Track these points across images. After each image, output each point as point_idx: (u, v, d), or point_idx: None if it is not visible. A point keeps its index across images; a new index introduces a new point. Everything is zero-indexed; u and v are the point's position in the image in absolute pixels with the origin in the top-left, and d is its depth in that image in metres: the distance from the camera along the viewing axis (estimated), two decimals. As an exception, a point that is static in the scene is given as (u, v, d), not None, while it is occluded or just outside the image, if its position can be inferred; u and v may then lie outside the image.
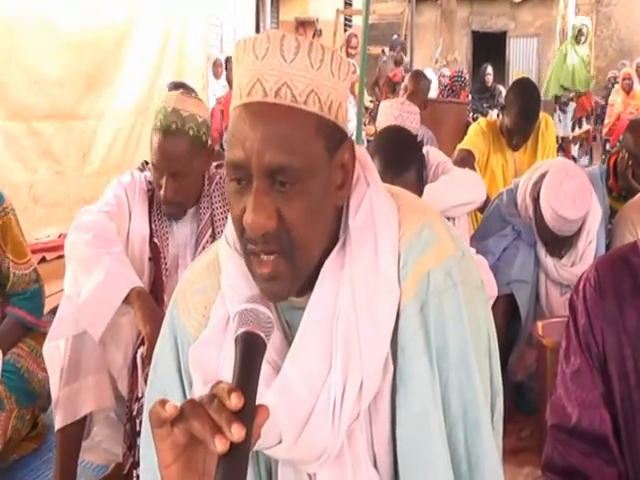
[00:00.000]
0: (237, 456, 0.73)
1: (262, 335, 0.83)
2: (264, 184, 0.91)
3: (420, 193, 2.33)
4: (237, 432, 0.72)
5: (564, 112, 9.25)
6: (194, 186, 2.06)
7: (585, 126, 9.27)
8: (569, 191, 2.44)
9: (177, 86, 2.66)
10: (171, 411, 0.75)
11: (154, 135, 1.98)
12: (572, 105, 9.30)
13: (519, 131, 3.47)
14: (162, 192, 1.99)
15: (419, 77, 4.96)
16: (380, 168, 2.25)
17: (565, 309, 2.71)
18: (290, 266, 0.94)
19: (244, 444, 0.73)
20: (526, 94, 3.50)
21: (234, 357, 0.81)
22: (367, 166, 1.03)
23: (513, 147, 3.54)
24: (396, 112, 3.29)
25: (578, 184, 2.48)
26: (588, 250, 2.58)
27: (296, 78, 0.91)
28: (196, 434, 0.74)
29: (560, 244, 2.61)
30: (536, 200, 2.60)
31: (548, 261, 2.63)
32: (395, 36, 11.16)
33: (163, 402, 0.76)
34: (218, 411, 0.74)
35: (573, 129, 9.25)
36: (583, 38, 9.53)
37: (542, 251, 2.64)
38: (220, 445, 0.72)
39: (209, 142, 2.06)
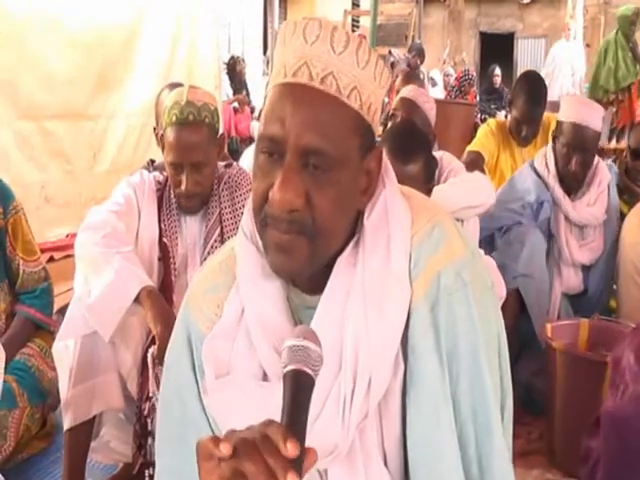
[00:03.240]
0: None
1: (311, 374, 0.81)
2: (297, 163, 0.92)
3: (427, 192, 2.32)
4: None
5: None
6: (212, 176, 2.07)
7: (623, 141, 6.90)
8: (584, 103, 2.90)
9: (175, 85, 2.67)
10: (227, 452, 0.74)
11: (170, 131, 1.96)
12: (612, 109, 7.51)
13: (528, 120, 3.49)
14: (183, 187, 1.99)
15: (411, 78, 4.96)
16: (387, 157, 2.25)
17: (580, 287, 2.90)
18: (309, 246, 0.94)
19: None
20: (532, 82, 3.59)
21: (282, 394, 0.80)
22: (385, 167, 1.04)
23: (523, 140, 3.55)
24: (410, 87, 3.49)
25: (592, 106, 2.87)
26: (601, 196, 2.88)
27: (342, 71, 0.93)
28: (249, 476, 0.74)
29: (583, 153, 2.78)
30: (553, 139, 2.88)
31: (567, 203, 2.83)
32: (418, 41, 11.14)
33: (216, 440, 0.75)
34: (272, 456, 0.73)
35: (610, 139, 7.44)
36: (634, 28, 7.53)
37: (560, 195, 2.84)
38: None
39: (220, 131, 2.07)
